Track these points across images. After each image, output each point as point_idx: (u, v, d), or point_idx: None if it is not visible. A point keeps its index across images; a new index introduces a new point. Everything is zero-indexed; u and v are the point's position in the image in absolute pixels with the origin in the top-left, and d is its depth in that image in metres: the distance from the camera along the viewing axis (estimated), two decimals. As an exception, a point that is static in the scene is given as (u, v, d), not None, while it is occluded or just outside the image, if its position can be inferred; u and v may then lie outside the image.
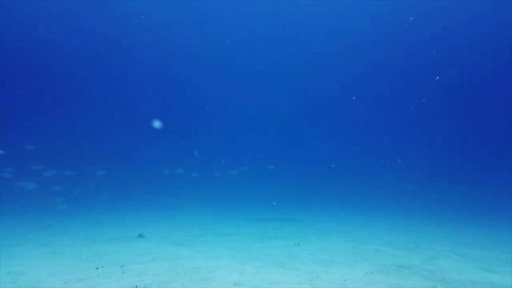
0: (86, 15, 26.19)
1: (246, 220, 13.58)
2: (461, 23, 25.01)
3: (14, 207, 15.26)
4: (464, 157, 31.57)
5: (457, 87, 32.44)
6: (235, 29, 29.36)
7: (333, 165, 33.16)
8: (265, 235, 10.09)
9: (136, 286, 5.17)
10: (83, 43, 29.56)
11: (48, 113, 32.97)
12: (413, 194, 23.24)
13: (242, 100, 39.68)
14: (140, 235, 9.37)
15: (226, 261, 6.89)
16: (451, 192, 23.35)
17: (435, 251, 8.42)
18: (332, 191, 25.08)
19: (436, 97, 34.48)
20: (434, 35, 27.05)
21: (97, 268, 6.21)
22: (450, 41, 27.36)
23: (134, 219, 13.09)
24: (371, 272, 6.30)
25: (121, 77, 34.11)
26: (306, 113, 39.69)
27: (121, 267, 6.31)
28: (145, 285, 5.23)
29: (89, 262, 6.67)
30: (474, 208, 18.66)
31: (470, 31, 25.69)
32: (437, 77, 30.78)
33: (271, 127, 39.47)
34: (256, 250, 8.05)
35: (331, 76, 35.46)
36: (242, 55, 33.10)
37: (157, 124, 33.81)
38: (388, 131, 36.93)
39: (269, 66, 34.71)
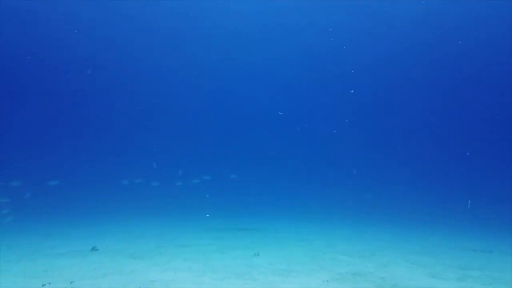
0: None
1: (206, 230, 13.41)
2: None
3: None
4: (419, 166, 33.19)
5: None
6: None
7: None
8: (225, 246, 10.01)
9: (86, 303, 4.94)
10: (32, 42, 27.88)
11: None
12: (370, 203, 24.05)
13: (205, 106, 39.38)
14: (93, 248, 8.96)
15: (183, 274, 6.76)
16: (406, 200, 24.41)
17: (388, 258, 8.77)
18: (292, 200, 25.40)
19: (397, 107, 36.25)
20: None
21: (43, 285, 5.85)
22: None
23: (87, 231, 12.49)
24: (327, 281, 6.44)
25: (76, 78, 32.46)
26: (268, 121, 40.07)
27: (71, 283, 6.00)
28: (95, 301, 5.01)
29: (35, 279, 6.28)
30: (426, 215, 19.63)
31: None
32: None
33: (235, 135, 39.50)
34: (215, 261, 7.98)
35: (294, 81, 35.92)
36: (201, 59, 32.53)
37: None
38: (347, 139, 38.11)
39: (230, 69, 34.48)
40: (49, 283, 5.96)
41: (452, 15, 23.86)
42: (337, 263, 8.07)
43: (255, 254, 8.82)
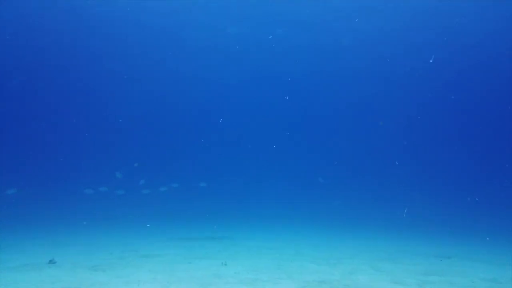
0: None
1: (174, 239, 13.11)
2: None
3: None
4: (385, 174, 34.18)
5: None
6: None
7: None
8: (192, 255, 9.81)
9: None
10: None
11: None
12: (338, 210, 24.48)
13: (174, 112, 38.76)
14: (51, 261, 8.49)
15: (147, 285, 6.53)
16: (372, 208, 25.04)
17: (353, 265, 8.92)
18: (261, 208, 25.40)
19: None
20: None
21: (-7, 302, 5.45)
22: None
23: (45, 243, 11.85)
24: (294, 290, 6.44)
25: (33, 81, 30.87)
26: (237, 128, 40.03)
27: (24, 299, 5.63)
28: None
29: (-16, 295, 5.84)
30: (391, 222, 20.23)
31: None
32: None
33: (205, 142, 39.13)
34: (181, 272, 7.78)
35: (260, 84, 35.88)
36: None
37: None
38: (314, 147, 38.76)
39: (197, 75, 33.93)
40: (0, 300, 5.57)
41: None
42: (304, 271, 8.10)
43: (222, 263, 8.70)
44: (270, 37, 25.39)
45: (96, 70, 31.65)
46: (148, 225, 16.78)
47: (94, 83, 33.07)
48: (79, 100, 34.32)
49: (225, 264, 8.58)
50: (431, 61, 25.38)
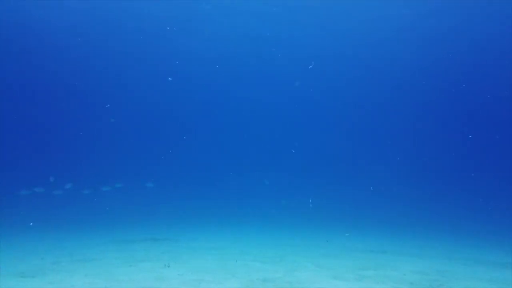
0: None
1: (114, 242, 12.51)
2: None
3: None
4: (328, 171, 35.41)
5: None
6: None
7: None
8: (133, 258, 9.44)
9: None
10: None
11: None
12: (284, 208, 24.99)
13: (121, 107, 36.99)
14: (-29, 269, 7.68)
15: (82, 292, 6.17)
16: (316, 206, 25.90)
17: (297, 262, 9.17)
18: (206, 209, 25.15)
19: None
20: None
21: None
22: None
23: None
24: (237, 289, 6.47)
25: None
26: (186, 126, 39.30)
27: None
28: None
29: None
30: (333, 219, 21.09)
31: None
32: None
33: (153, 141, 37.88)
34: (121, 275, 7.45)
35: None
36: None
37: None
38: (258, 146, 39.10)
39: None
40: None
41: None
42: (249, 269, 8.17)
43: (165, 265, 8.47)
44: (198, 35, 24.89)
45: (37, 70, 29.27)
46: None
47: (33, 83, 30.56)
48: (15, 100, 31.49)
49: (168, 266, 8.37)
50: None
